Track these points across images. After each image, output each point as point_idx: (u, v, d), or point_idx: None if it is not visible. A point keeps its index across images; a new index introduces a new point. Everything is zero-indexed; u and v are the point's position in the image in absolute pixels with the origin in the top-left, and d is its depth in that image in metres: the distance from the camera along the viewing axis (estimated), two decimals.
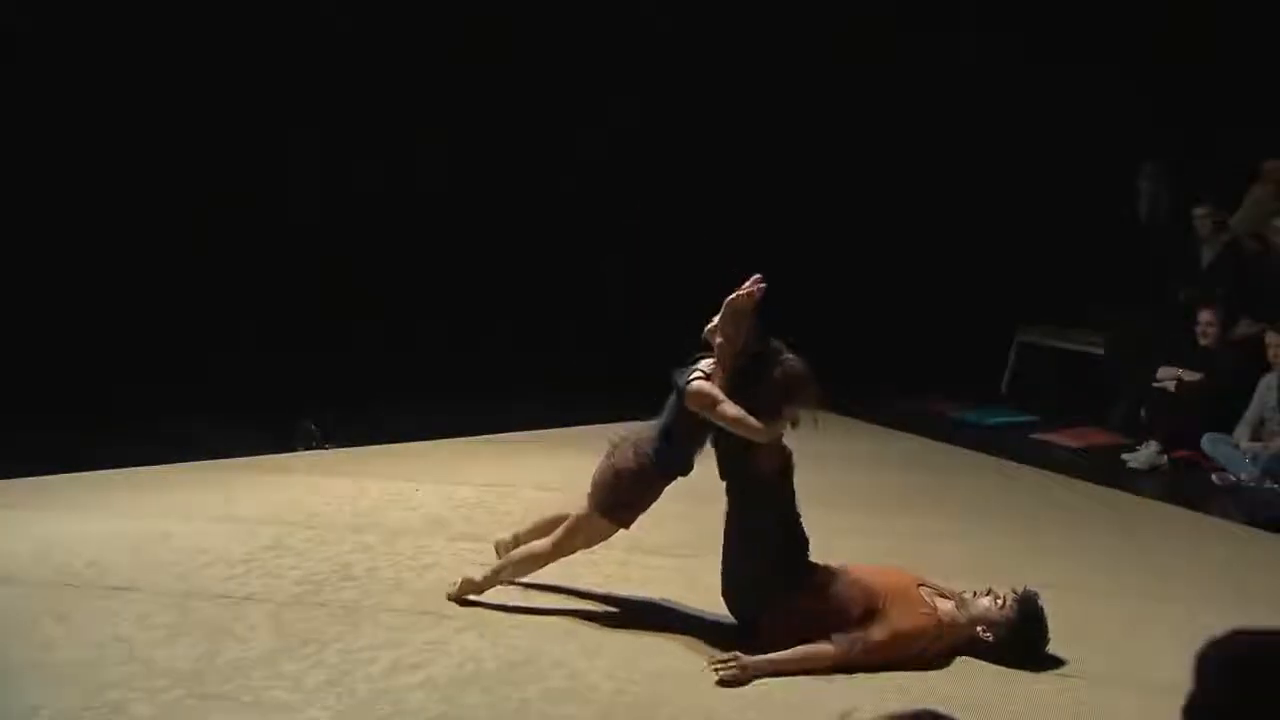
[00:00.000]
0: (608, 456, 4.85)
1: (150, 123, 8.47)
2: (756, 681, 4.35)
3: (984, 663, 4.49)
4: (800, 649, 4.46)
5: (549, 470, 7.16)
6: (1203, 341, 8.01)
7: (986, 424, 8.84)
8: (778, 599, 4.57)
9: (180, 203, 8.57)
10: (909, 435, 8.57)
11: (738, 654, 4.39)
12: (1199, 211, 8.68)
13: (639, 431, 4.86)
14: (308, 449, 7.47)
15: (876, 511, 6.59)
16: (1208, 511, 6.90)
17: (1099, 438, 8.31)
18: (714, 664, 4.36)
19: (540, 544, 5.02)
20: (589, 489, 4.84)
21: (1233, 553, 6.14)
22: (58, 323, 8.22)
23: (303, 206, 8.88)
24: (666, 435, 4.72)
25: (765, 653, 4.43)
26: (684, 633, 4.79)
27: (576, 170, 9.61)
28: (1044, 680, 4.44)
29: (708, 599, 5.04)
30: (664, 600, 5.11)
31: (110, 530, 5.85)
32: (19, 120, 8.16)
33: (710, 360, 4.66)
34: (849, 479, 7.22)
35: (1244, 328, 8.07)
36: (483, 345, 9.07)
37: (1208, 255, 8.70)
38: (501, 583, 5.05)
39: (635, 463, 4.75)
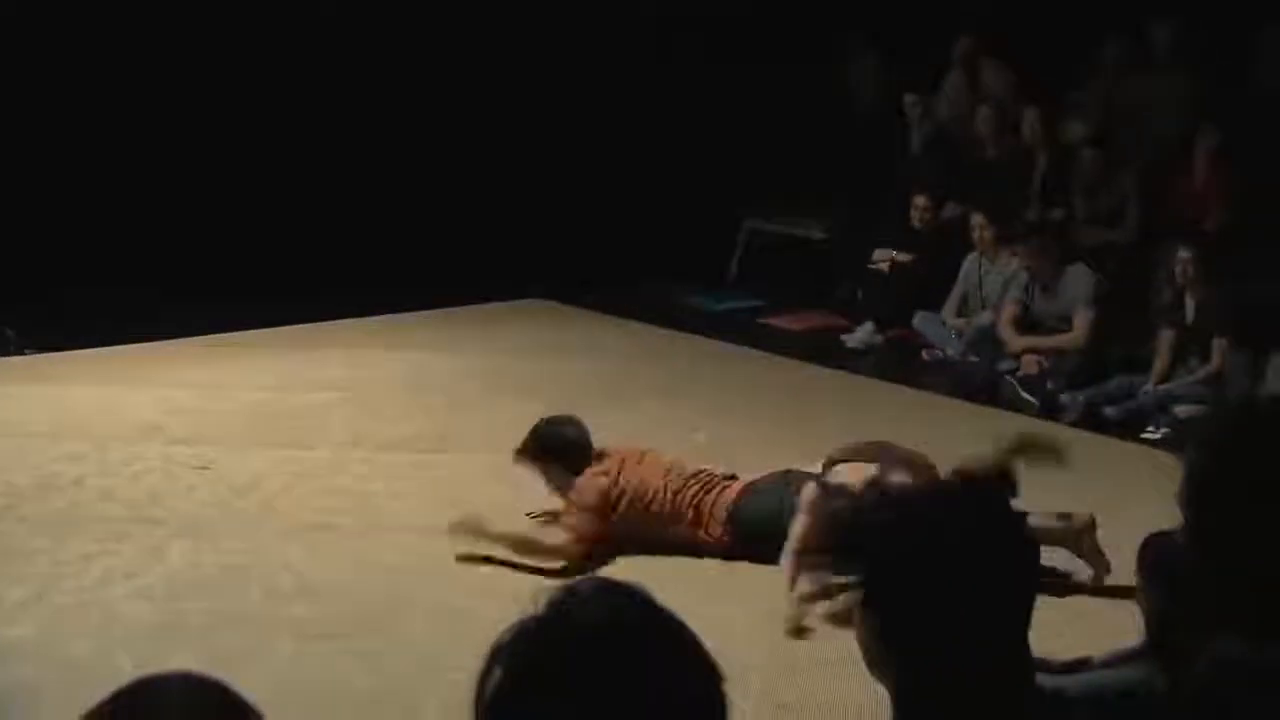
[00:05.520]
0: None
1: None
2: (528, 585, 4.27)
3: None
4: None
5: (268, 372, 6.89)
6: (915, 224, 8.34)
7: (713, 310, 8.99)
8: None
9: None
10: (633, 322, 8.40)
11: None
12: (909, 99, 8.99)
13: None
14: (3, 355, 6.97)
15: (593, 403, 5.79)
16: (919, 387, 7.24)
17: (820, 320, 8.59)
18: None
19: None
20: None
21: (940, 423, 6.46)
22: None
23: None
24: None
25: None
26: (418, 529, 4.71)
27: None
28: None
29: (443, 493, 5.00)
30: (398, 495, 5.03)
31: None
32: None
33: None
34: (566, 368, 7.04)
35: (950, 210, 8.44)
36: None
37: (917, 141, 9.05)
38: None
39: None
